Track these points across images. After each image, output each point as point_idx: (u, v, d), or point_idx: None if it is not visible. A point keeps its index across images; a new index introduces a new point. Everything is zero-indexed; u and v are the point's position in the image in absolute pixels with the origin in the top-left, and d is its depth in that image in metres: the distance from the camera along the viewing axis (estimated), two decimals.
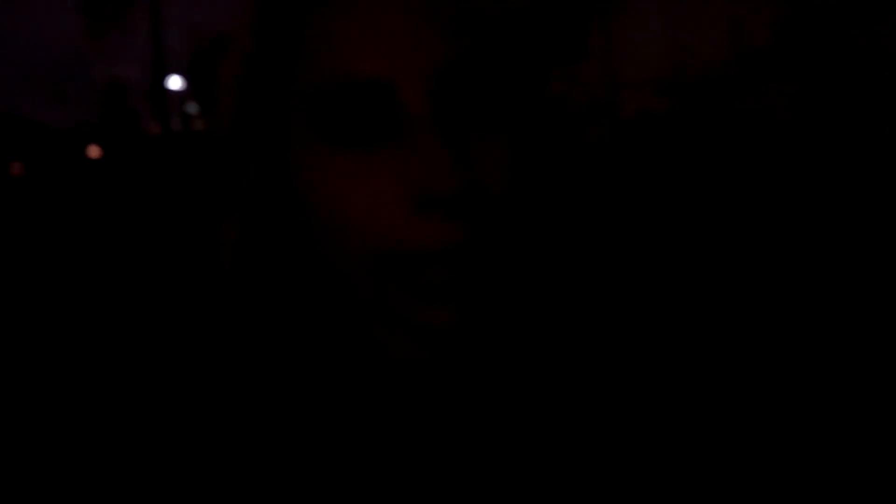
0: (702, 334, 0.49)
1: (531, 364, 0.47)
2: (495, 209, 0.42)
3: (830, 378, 0.49)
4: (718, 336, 0.49)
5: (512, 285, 0.45)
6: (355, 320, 0.46)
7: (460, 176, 0.39)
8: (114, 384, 0.47)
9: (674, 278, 0.52)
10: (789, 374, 0.48)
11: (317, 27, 0.42)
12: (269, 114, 0.44)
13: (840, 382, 0.49)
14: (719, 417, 0.46)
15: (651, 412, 0.46)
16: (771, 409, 0.46)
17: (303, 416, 0.45)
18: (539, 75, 0.46)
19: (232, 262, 0.45)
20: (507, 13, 0.43)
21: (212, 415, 0.45)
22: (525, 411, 0.46)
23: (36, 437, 0.46)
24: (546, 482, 0.44)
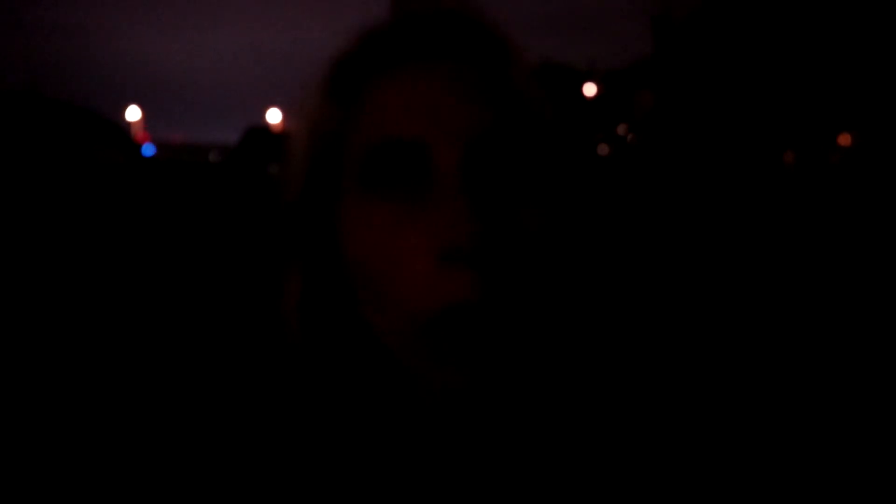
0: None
1: (544, 414, 0.50)
2: (516, 266, 0.46)
3: (830, 378, 0.51)
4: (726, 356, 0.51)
5: (527, 349, 0.48)
6: (391, 367, 0.50)
7: (480, 229, 0.44)
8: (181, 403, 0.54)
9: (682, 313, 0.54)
10: (796, 378, 0.50)
11: (372, 98, 0.49)
12: (328, 179, 0.50)
13: (839, 382, 0.50)
14: (729, 436, 0.47)
15: (662, 452, 0.48)
16: (774, 414, 0.47)
17: (333, 442, 0.51)
18: (570, 143, 0.50)
19: (295, 309, 0.52)
20: (533, 89, 0.49)
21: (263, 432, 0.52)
22: (537, 446, 0.49)
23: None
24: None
